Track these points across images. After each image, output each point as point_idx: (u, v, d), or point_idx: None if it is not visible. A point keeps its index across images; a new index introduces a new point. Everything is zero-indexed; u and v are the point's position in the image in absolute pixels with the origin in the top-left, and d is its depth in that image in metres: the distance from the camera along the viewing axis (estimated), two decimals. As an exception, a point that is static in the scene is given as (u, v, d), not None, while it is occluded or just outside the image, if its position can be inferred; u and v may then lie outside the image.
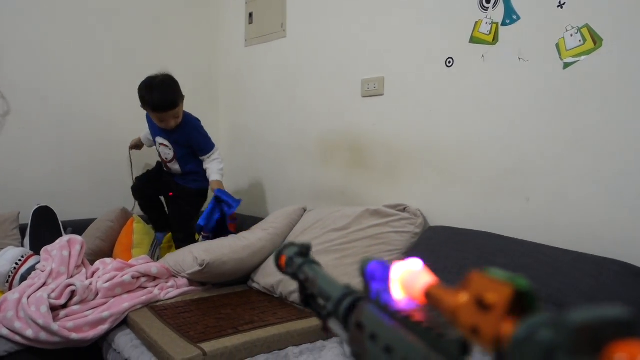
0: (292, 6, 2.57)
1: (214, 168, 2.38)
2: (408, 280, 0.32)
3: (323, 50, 2.39)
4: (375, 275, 0.35)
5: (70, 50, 2.61)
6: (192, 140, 2.35)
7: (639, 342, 0.19)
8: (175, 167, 2.44)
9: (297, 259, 0.47)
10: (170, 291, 1.95)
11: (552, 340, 0.20)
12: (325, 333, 0.42)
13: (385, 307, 0.32)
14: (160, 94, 2.19)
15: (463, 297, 0.25)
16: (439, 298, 0.27)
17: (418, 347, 0.28)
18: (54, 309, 1.71)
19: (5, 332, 1.65)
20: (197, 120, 2.42)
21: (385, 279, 0.35)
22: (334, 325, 0.39)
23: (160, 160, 2.52)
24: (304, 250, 0.48)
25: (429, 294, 0.29)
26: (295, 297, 1.83)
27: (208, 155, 2.40)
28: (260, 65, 2.80)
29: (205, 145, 2.39)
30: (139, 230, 2.36)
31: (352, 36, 2.25)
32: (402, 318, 0.30)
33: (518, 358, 0.21)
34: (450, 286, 0.27)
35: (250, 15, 2.85)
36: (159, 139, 2.40)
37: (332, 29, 2.34)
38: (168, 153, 2.41)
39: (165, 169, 2.50)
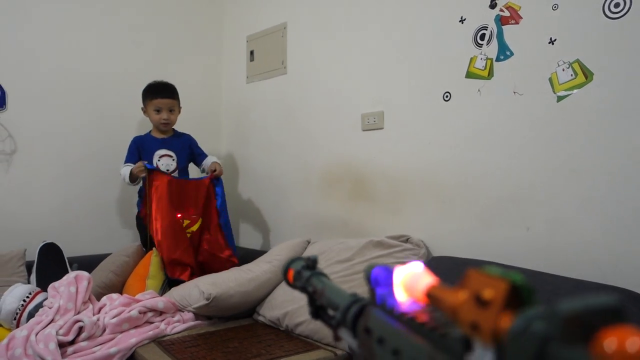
0: (292, 43, 2.66)
1: (210, 158, 2.68)
2: (410, 282, 0.32)
3: (323, 86, 2.47)
4: (379, 281, 0.36)
5: (75, 88, 2.68)
6: (192, 146, 2.67)
7: (626, 326, 0.20)
8: None
9: (304, 272, 0.48)
10: (176, 325, 1.96)
11: (546, 331, 0.21)
12: (336, 341, 0.44)
13: (391, 311, 0.33)
14: (162, 83, 2.58)
15: (462, 295, 0.25)
16: (440, 297, 0.28)
17: (423, 348, 0.28)
18: (62, 345, 1.72)
19: (13, 369, 1.66)
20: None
21: (389, 283, 0.36)
22: (344, 334, 0.40)
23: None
24: (311, 264, 0.49)
25: (430, 295, 0.30)
26: (301, 329, 1.85)
27: (204, 158, 2.68)
28: (261, 100, 2.87)
29: (202, 150, 2.73)
30: (156, 263, 2.39)
31: (351, 72, 2.32)
32: (407, 320, 0.31)
33: (515, 350, 0.22)
34: (450, 286, 0.28)
35: (252, 53, 2.94)
36: (161, 151, 2.57)
37: (332, 66, 2.42)
38: (170, 164, 2.58)
39: None
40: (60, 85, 2.64)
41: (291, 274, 0.49)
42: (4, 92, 2.47)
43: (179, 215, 2.44)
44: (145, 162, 2.43)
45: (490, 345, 0.23)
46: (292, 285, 0.49)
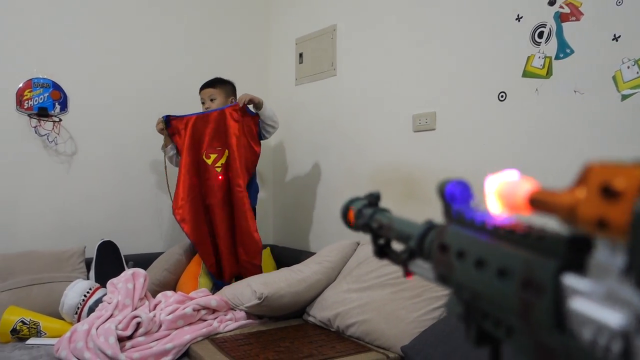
0: (342, 45, 2.66)
1: None
2: (507, 191, 0.29)
3: (374, 87, 2.46)
4: (455, 196, 0.34)
5: (133, 91, 2.77)
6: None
7: None
8: None
9: (366, 209, 0.45)
10: (229, 324, 1.99)
11: None
12: (406, 277, 0.39)
13: (472, 223, 0.30)
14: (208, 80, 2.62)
15: (581, 192, 0.23)
16: (549, 200, 0.25)
17: (516, 254, 0.26)
18: (120, 339, 1.78)
19: (76, 361, 1.72)
20: None
21: (466, 198, 0.33)
22: (415, 266, 0.38)
23: None
24: (373, 200, 0.46)
25: (535, 200, 0.26)
26: (352, 330, 1.84)
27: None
28: (310, 102, 2.89)
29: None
30: None
31: (402, 72, 2.30)
32: (493, 230, 0.28)
33: None
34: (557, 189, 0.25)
35: (301, 55, 2.96)
36: None
37: (383, 66, 2.40)
38: None
39: None
40: (118, 89, 2.73)
41: (352, 213, 0.46)
42: (66, 97, 2.59)
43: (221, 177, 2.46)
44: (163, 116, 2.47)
45: (624, 240, 0.21)
46: (352, 226, 0.47)
